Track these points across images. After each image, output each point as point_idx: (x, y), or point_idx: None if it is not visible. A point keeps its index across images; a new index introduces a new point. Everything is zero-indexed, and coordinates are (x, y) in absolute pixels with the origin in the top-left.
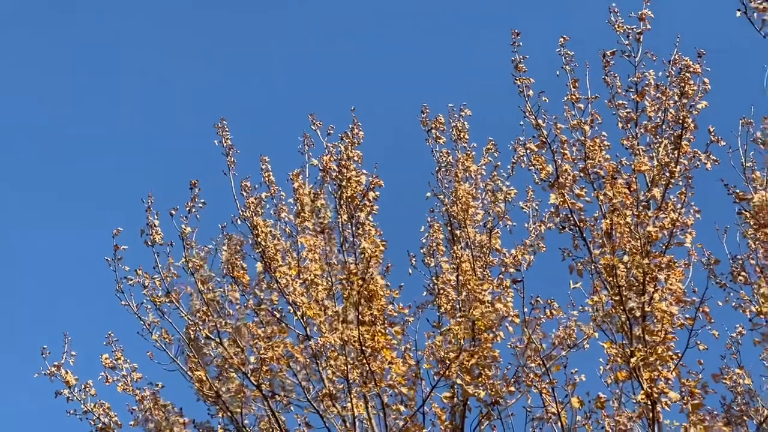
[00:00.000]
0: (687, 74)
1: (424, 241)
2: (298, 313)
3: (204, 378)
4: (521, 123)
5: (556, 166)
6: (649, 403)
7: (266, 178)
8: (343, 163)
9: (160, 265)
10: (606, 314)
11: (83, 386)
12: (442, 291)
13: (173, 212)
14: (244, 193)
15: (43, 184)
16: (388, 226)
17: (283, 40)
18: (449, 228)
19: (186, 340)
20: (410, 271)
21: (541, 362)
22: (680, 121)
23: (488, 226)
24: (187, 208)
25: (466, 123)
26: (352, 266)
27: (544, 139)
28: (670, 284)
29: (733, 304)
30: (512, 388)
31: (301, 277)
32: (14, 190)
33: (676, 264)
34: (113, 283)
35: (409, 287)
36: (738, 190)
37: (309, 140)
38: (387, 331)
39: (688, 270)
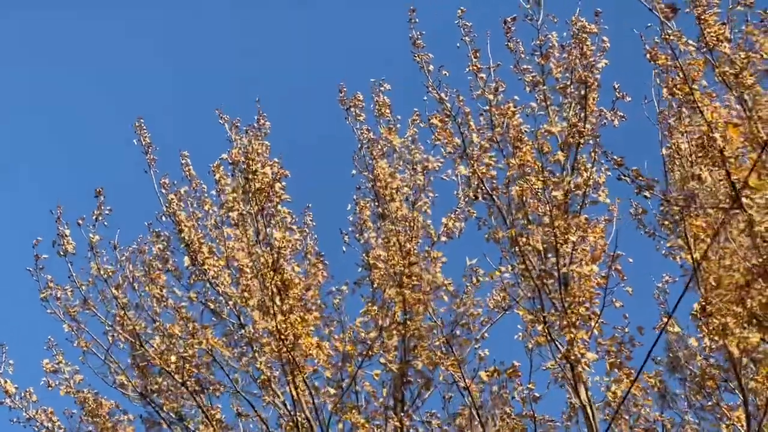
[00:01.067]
0: (584, 35)
1: (351, 219)
2: (230, 303)
3: (125, 380)
4: (425, 98)
5: (462, 138)
6: (569, 365)
7: (187, 173)
8: (249, 156)
9: (74, 274)
10: (517, 282)
11: (24, 393)
12: (374, 266)
13: (80, 222)
14: (164, 190)
15: None
16: (320, 206)
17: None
18: (377, 204)
19: (130, 341)
20: (344, 248)
21: (444, 340)
22: (583, 81)
23: (410, 199)
24: (94, 217)
25: (386, 98)
26: (262, 258)
27: (448, 113)
28: (592, 242)
29: (663, 252)
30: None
31: (229, 266)
32: None
33: (593, 223)
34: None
35: (346, 264)
36: (615, 156)
37: (235, 128)
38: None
39: (611, 226)
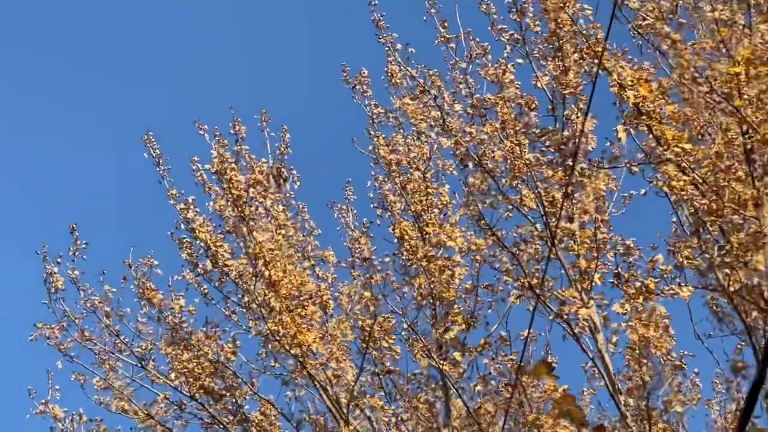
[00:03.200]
0: None
1: (371, 196)
2: (257, 300)
3: (125, 406)
4: (397, 80)
5: (441, 110)
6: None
7: (199, 178)
8: (224, 165)
9: (67, 309)
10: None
11: (72, 417)
12: (402, 238)
13: (59, 260)
14: (172, 201)
15: None
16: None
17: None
18: (394, 180)
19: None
20: (377, 222)
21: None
22: (554, 33)
23: (420, 169)
24: (71, 253)
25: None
26: (247, 264)
27: (422, 88)
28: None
29: None
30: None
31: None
32: None
33: (596, 173)
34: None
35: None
36: None
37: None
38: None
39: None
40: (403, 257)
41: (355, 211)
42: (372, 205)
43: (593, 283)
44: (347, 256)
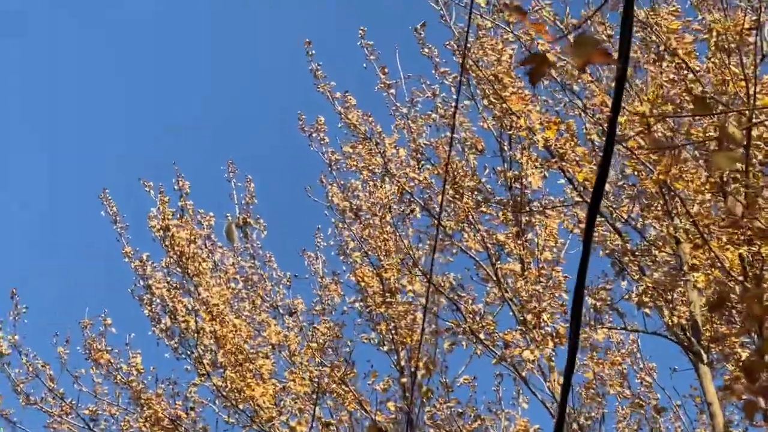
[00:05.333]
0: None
1: (332, 243)
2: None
3: None
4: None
5: (383, 156)
6: None
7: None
8: (165, 223)
9: (11, 374)
10: None
11: None
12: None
13: None
14: (127, 259)
15: None
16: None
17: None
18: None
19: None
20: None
21: None
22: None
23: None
24: (11, 318)
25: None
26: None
27: (363, 136)
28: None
29: None
30: None
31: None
32: None
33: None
34: None
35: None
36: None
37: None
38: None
39: None
40: (365, 304)
41: (324, 258)
42: (332, 253)
43: (542, 323)
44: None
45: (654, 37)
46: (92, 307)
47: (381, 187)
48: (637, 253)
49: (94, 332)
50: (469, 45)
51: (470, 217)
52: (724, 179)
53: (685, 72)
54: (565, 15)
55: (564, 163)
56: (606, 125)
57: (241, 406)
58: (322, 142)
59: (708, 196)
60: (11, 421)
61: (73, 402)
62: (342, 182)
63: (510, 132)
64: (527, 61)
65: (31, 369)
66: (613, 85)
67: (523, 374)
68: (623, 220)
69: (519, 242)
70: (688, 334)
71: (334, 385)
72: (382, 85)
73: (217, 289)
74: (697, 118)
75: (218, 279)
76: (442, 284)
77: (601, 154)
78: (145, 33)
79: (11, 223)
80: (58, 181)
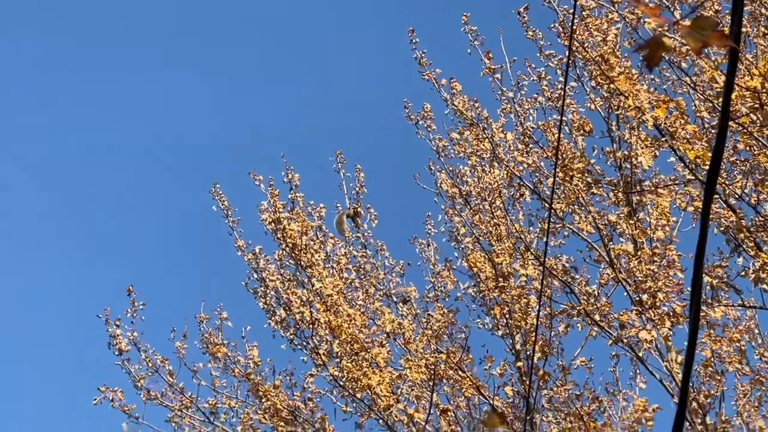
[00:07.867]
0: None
1: (442, 230)
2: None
3: None
4: (446, 112)
5: (491, 141)
6: None
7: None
8: (277, 216)
9: (132, 370)
10: None
11: None
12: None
13: (117, 323)
14: (240, 252)
15: None
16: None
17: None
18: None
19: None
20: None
21: None
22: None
23: (487, 199)
24: (129, 315)
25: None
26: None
27: (470, 122)
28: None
29: None
30: None
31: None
32: None
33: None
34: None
35: None
36: None
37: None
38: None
39: None
40: (478, 289)
41: (435, 245)
42: (444, 239)
43: (657, 303)
44: (432, 291)
45: (764, 10)
46: (208, 302)
47: (490, 171)
48: (752, 229)
49: (210, 326)
50: (574, 26)
51: (581, 198)
52: None
53: None
54: None
55: (674, 142)
56: (717, 102)
57: (358, 395)
58: (429, 129)
59: None
60: (134, 417)
61: (193, 396)
62: (450, 168)
63: (618, 112)
64: (643, 47)
65: (150, 365)
66: (722, 60)
67: (640, 354)
68: (737, 196)
69: (631, 222)
70: None
71: (450, 372)
72: (487, 70)
73: (331, 280)
74: None
75: (331, 269)
76: (555, 267)
77: (712, 131)
78: (252, 25)
79: (127, 221)
80: (170, 176)
